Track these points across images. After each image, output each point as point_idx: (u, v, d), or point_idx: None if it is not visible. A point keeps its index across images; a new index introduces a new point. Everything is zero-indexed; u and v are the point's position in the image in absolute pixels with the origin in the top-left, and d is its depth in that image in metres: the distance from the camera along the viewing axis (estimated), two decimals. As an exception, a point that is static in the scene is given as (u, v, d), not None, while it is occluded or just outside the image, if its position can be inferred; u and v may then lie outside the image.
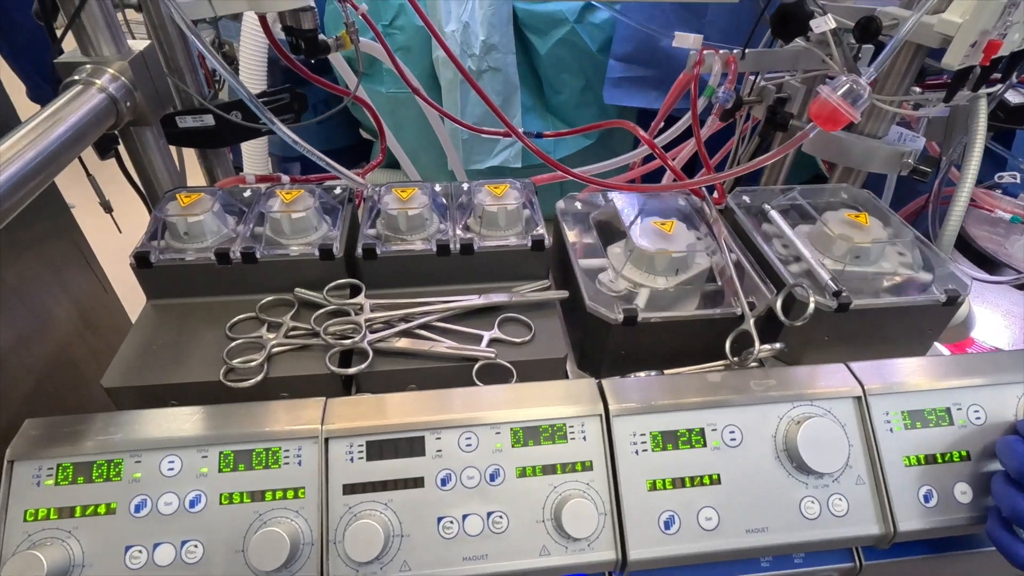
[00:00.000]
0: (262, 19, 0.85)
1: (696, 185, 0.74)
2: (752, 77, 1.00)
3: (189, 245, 0.64)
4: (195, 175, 1.01)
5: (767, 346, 0.60)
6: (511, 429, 0.50)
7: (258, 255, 0.63)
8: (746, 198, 0.80)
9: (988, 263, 1.00)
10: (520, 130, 0.86)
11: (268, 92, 0.94)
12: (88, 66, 0.66)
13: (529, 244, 0.66)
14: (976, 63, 0.68)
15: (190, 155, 1.00)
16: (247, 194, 0.72)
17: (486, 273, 0.68)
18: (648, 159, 1.07)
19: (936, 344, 0.73)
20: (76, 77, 0.64)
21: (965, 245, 1.02)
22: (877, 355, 0.68)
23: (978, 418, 0.55)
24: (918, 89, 0.90)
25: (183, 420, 0.49)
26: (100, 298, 0.92)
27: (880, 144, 0.87)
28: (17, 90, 2.03)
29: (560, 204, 0.77)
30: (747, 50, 0.92)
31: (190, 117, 0.88)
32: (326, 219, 0.69)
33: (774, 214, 0.75)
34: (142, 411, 0.50)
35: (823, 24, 0.80)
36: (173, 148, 0.92)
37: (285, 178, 0.95)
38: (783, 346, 0.61)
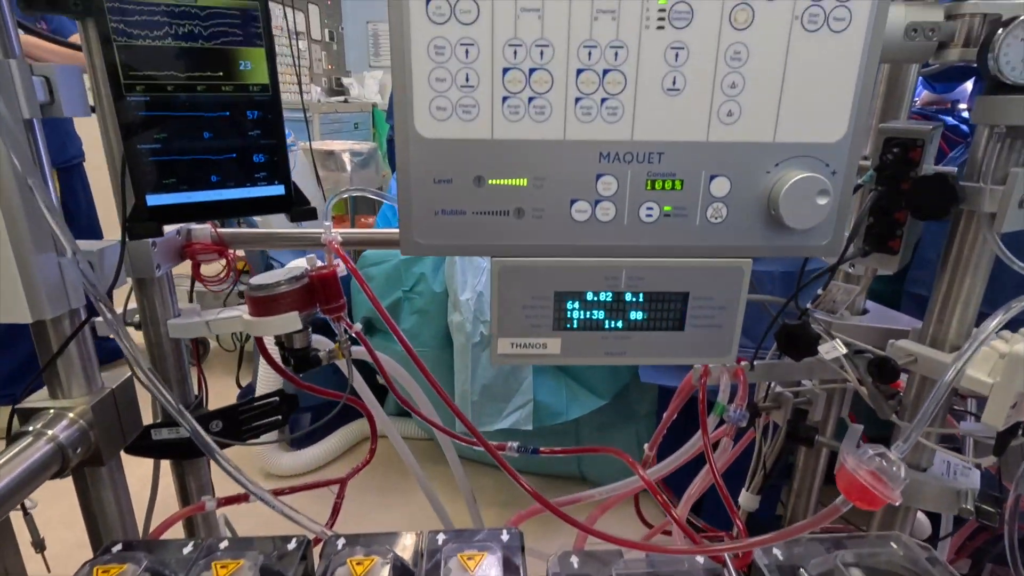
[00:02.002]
0: (258, 340, 0.85)
1: (716, 552, 0.61)
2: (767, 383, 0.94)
3: (88, 641, 0.53)
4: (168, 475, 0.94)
5: None
6: None
7: (165, 662, 0.51)
8: (777, 553, 0.66)
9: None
10: (514, 454, 0.79)
11: (258, 397, 0.91)
12: (51, 410, 0.63)
13: (505, 646, 0.53)
14: (1022, 419, 0.60)
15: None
16: (187, 550, 0.63)
17: None
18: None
19: None
20: (29, 428, 0.60)
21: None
22: None
23: None
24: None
25: None
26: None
27: (927, 478, 0.76)
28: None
29: (552, 565, 0.64)
30: (756, 362, 0.87)
31: (166, 429, 0.84)
32: (263, 599, 0.57)
33: (816, 590, 0.61)
34: None
35: (832, 351, 0.76)
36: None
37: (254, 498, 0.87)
38: None
